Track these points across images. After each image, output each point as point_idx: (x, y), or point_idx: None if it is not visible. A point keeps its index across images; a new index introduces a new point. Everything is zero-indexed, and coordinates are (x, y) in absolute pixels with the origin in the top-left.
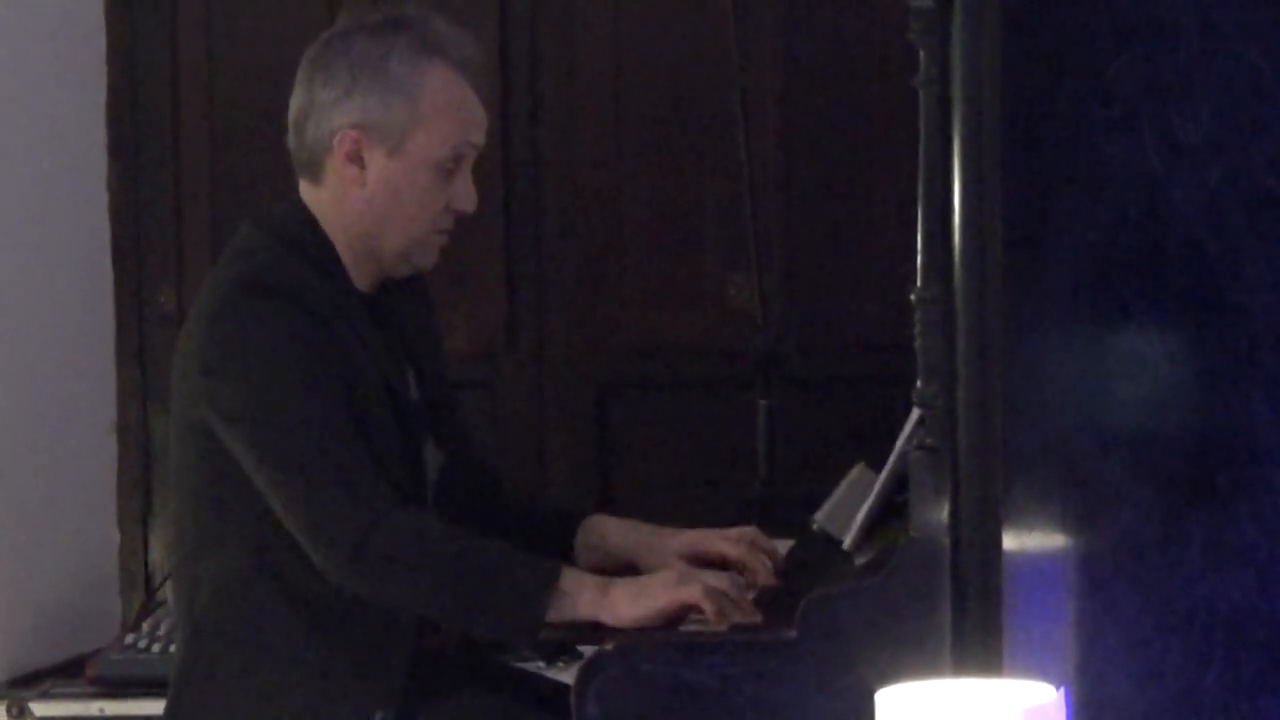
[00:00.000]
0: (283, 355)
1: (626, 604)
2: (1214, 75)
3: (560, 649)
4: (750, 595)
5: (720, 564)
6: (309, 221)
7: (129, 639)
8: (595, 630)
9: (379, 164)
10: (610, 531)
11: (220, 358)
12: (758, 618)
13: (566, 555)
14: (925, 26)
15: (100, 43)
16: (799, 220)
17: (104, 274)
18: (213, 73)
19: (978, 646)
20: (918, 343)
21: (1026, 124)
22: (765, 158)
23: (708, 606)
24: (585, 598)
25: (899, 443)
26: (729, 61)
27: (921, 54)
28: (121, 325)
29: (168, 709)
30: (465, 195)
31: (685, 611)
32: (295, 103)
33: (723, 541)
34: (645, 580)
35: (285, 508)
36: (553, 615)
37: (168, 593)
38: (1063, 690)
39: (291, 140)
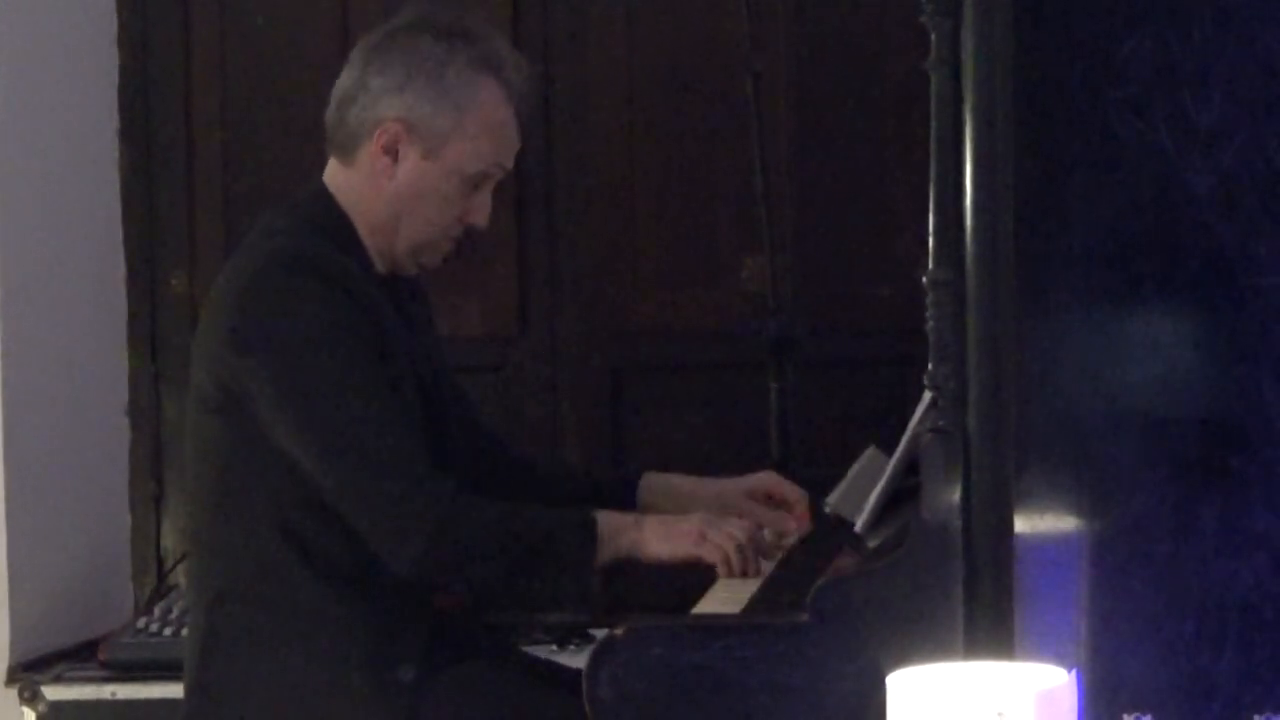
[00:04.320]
0: (328, 333)
1: (656, 543)
2: (1227, 58)
3: (572, 631)
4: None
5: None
6: (332, 205)
7: (140, 622)
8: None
9: (412, 162)
10: (675, 486)
11: (260, 334)
12: (765, 568)
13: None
14: (937, 9)
15: (112, 26)
16: (812, 203)
17: (116, 258)
18: (225, 56)
19: (990, 629)
20: (930, 325)
21: (1038, 106)
22: (778, 141)
23: (721, 570)
24: (623, 539)
25: (911, 425)
26: (740, 44)
27: (933, 36)
28: (133, 309)
29: (193, 678)
30: (481, 210)
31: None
32: (344, 81)
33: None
34: (674, 525)
35: (343, 502)
36: (598, 562)
37: (179, 576)
38: (1074, 673)
39: (331, 116)
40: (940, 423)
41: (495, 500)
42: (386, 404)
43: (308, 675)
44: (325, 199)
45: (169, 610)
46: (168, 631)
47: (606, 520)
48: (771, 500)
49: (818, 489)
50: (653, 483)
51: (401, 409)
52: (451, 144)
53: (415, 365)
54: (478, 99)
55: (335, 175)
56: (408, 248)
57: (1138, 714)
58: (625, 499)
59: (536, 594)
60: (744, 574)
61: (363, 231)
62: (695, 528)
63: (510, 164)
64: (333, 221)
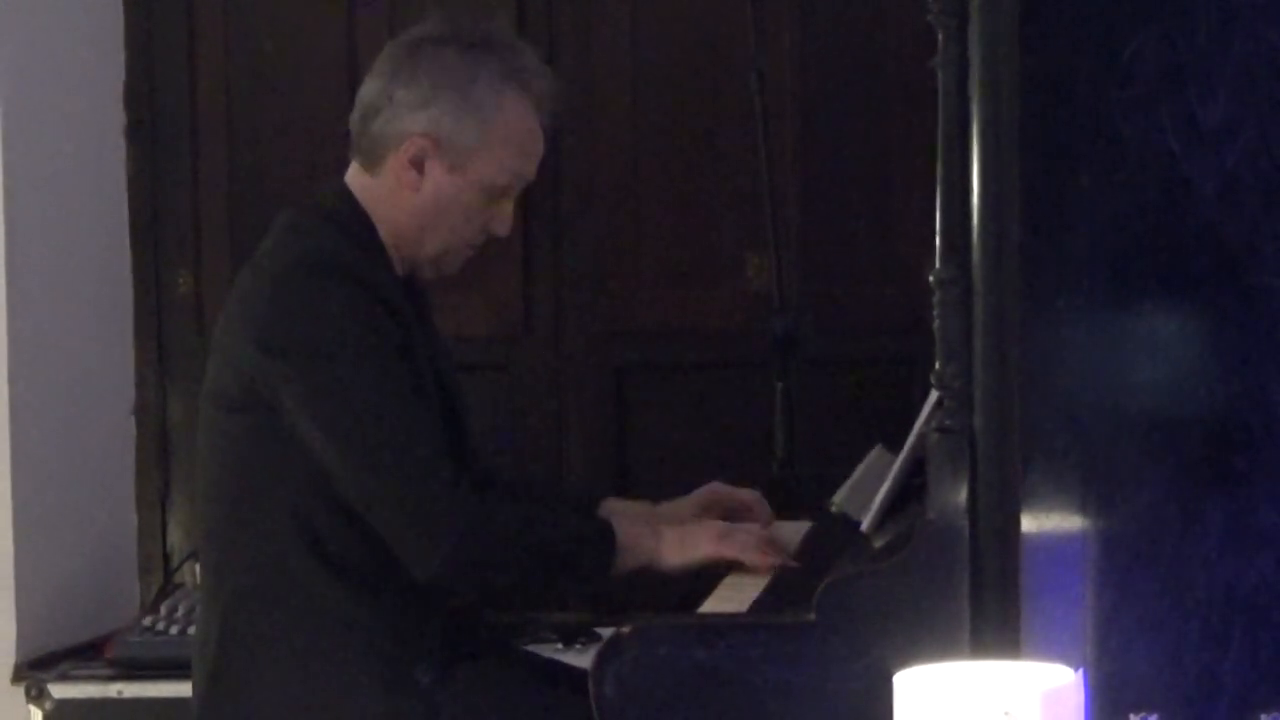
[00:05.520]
0: (358, 337)
1: (673, 554)
2: (1232, 57)
3: (577, 630)
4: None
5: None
6: (354, 206)
7: (147, 621)
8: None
9: (437, 176)
10: (632, 511)
11: (289, 335)
12: (789, 560)
13: None
14: (943, 7)
15: (118, 27)
16: (817, 201)
17: (122, 257)
18: (230, 56)
19: (996, 628)
20: (936, 324)
21: (1044, 105)
22: (782, 139)
23: (751, 558)
24: (642, 549)
25: (917, 424)
26: (745, 42)
27: (939, 35)
28: (139, 309)
29: (207, 677)
30: (503, 221)
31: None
32: (369, 90)
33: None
34: (690, 530)
35: (370, 506)
36: (615, 572)
37: (185, 575)
38: (1081, 672)
39: (355, 123)
40: (946, 422)
41: (518, 504)
42: (414, 408)
43: (325, 675)
44: (348, 200)
45: (175, 609)
46: (174, 630)
47: (625, 532)
48: (724, 508)
49: (823, 488)
50: (611, 509)
51: (428, 413)
52: (477, 158)
53: (435, 367)
54: (504, 113)
55: (358, 179)
56: (430, 256)
57: (1144, 713)
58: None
59: (551, 597)
60: (770, 564)
61: (384, 235)
62: (711, 530)
63: (533, 174)
64: (356, 223)
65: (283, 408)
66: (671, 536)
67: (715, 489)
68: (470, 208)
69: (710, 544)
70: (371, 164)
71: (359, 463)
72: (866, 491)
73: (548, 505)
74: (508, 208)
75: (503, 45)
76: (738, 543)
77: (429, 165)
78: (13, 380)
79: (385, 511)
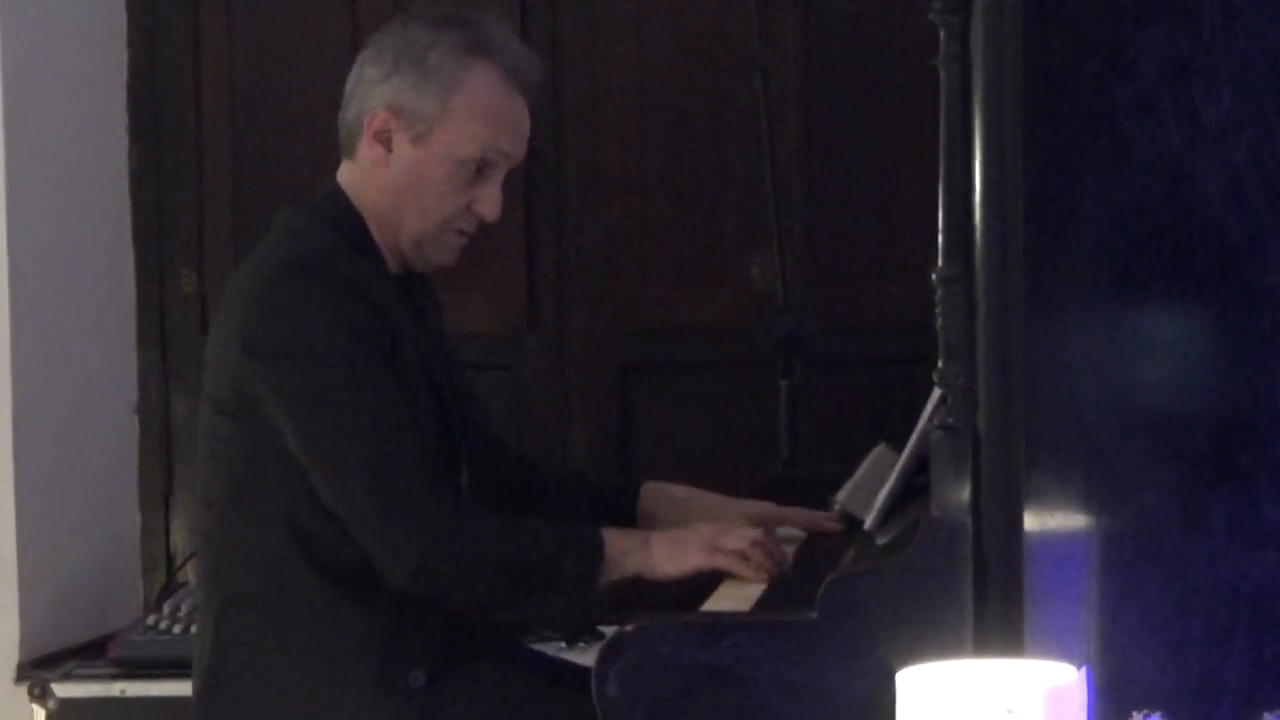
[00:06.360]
0: (338, 340)
1: (665, 561)
2: (1236, 55)
3: (582, 629)
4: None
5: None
6: (345, 203)
7: (150, 620)
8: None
9: (403, 149)
10: (674, 495)
11: (270, 339)
12: (788, 560)
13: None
14: (946, 5)
15: (122, 25)
16: (821, 201)
17: (125, 256)
18: (234, 55)
19: (999, 626)
20: (939, 323)
21: (1047, 103)
22: (787, 138)
23: (743, 571)
24: (630, 559)
25: (920, 423)
26: (749, 41)
27: (942, 33)
28: (143, 307)
29: (202, 680)
30: (488, 201)
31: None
32: (348, 80)
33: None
34: (682, 539)
35: (342, 510)
36: (601, 583)
37: (189, 574)
38: (1084, 670)
39: (340, 115)
40: (949, 420)
41: (500, 516)
42: (392, 416)
43: (318, 679)
44: (340, 198)
45: (179, 607)
46: (177, 629)
47: (614, 541)
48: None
49: (827, 487)
50: (653, 492)
51: (408, 420)
52: (440, 128)
53: (427, 367)
54: (465, 81)
55: (344, 173)
56: (411, 240)
57: (1147, 711)
58: (626, 508)
59: (533, 614)
60: (767, 572)
61: (372, 228)
62: (704, 539)
63: (515, 151)
64: (348, 221)
65: (266, 410)
66: (662, 547)
67: (769, 509)
68: (443, 183)
69: (701, 555)
70: (350, 150)
71: (331, 469)
72: (870, 489)
73: (538, 518)
74: (491, 188)
75: (472, 21)
76: (728, 554)
77: (395, 140)
78: (16, 378)
79: (355, 518)
